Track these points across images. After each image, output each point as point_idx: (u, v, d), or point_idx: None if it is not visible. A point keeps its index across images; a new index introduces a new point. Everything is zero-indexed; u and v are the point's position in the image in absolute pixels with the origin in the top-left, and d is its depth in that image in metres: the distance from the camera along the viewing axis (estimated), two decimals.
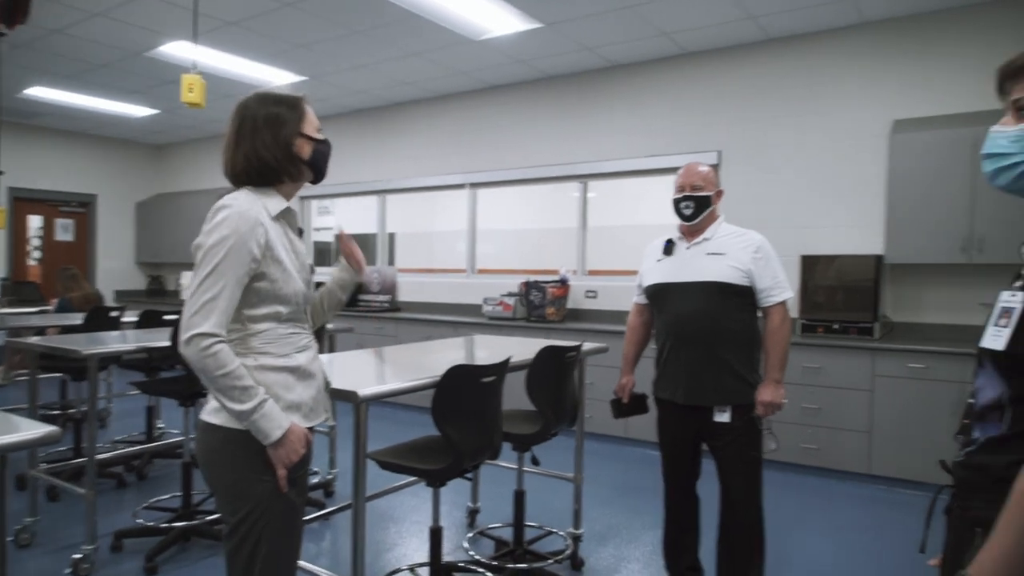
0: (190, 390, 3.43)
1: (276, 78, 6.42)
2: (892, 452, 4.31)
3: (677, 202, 2.73)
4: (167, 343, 3.51)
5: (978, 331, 4.16)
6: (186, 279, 8.25)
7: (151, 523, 3.51)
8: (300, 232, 1.88)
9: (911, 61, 4.77)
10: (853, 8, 4.68)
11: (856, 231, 4.93)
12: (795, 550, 3.39)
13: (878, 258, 4.61)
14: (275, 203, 1.71)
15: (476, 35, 5.31)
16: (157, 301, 9.17)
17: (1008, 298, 1.08)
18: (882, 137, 4.81)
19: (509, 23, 5.07)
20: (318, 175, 1.82)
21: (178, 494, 3.71)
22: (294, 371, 1.70)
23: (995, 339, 1.07)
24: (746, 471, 2.64)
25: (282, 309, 1.68)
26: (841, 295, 4.69)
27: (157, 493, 4.04)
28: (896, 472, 4.31)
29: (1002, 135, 1.12)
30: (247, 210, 1.61)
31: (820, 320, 4.68)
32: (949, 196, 4.35)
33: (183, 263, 8.97)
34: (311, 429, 1.76)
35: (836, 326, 4.62)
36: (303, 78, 6.44)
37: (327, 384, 1.88)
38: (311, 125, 1.77)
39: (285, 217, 1.75)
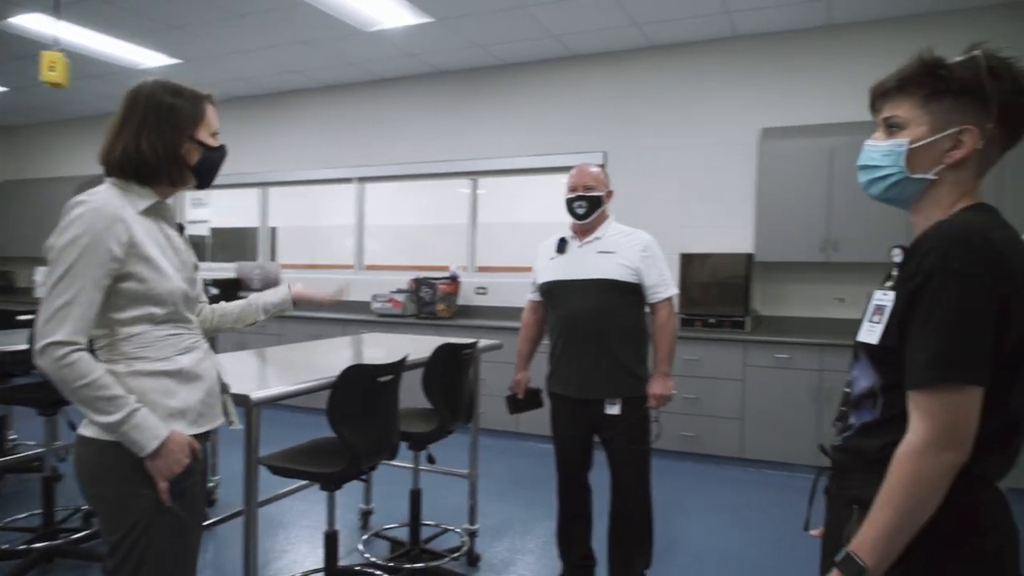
0: (51, 397, 3.14)
1: (148, 60, 5.99)
2: (761, 437, 4.65)
3: (570, 201, 2.81)
4: (23, 346, 3.19)
5: (834, 323, 4.52)
6: (40, 275, 7.52)
7: (6, 545, 3.19)
8: (181, 228, 1.76)
9: (778, 74, 5.15)
10: (727, 22, 4.99)
11: (729, 231, 5.27)
12: (680, 532, 3.58)
13: (749, 256, 4.95)
14: (144, 198, 1.59)
15: (366, 26, 5.20)
16: (6, 299, 8.30)
17: (880, 296, 1.18)
18: (752, 144, 5.16)
19: (400, 16, 5.00)
20: (202, 183, 1.70)
21: (37, 511, 3.39)
22: (175, 375, 1.59)
23: (869, 334, 1.17)
24: (636, 461, 2.76)
25: (156, 310, 1.56)
26: (716, 291, 5.00)
27: (12, 512, 3.67)
28: (765, 455, 4.65)
29: (875, 149, 1.22)
30: (103, 206, 1.49)
31: (698, 315, 4.96)
32: (809, 200, 4.74)
33: (36, 257, 8.16)
34: (206, 434, 1.67)
35: (712, 320, 4.92)
36: (177, 61, 6.05)
37: (224, 386, 1.77)
38: (207, 129, 1.65)
39: (159, 212, 1.63)
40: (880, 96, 1.24)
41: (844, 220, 4.63)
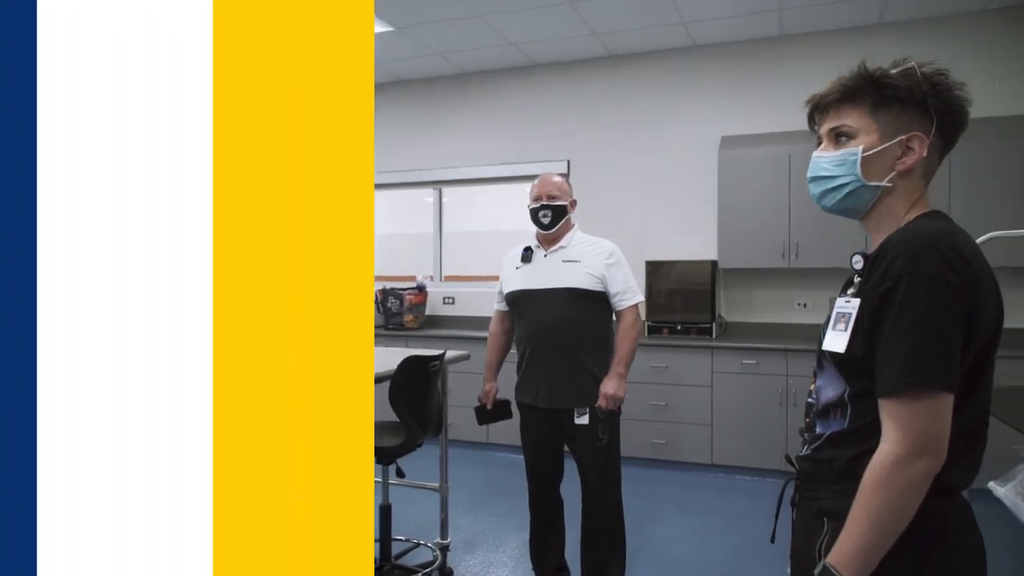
0: None
1: None
2: (730, 442, 4.68)
3: (535, 211, 2.80)
4: None
5: (798, 328, 4.55)
6: None
7: None
8: None
9: (735, 83, 5.23)
10: (684, 33, 5.06)
11: (693, 238, 5.32)
12: (652, 540, 3.57)
13: (713, 263, 5.01)
14: None
15: None
16: None
17: (843, 304, 1.16)
18: (712, 151, 5.22)
19: None
20: None
21: None
22: None
23: (835, 342, 1.14)
24: (606, 470, 2.74)
25: None
26: (683, 298, 5.04)
27: None
28: (734, 461, 4.68)
29: (825, 159, 1.21)
30: None
31: (664, 322, 4.99)
32: (769, 207, 4.81)
33: None
34: None
35: (679, 327, 4.95)
36: None
37: None
38: None
39: None
40: (818, 110, 1.24)
41: (803, 226, 4.70)
